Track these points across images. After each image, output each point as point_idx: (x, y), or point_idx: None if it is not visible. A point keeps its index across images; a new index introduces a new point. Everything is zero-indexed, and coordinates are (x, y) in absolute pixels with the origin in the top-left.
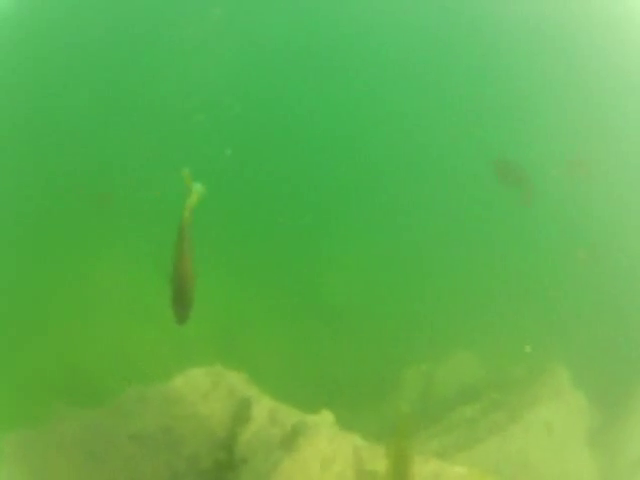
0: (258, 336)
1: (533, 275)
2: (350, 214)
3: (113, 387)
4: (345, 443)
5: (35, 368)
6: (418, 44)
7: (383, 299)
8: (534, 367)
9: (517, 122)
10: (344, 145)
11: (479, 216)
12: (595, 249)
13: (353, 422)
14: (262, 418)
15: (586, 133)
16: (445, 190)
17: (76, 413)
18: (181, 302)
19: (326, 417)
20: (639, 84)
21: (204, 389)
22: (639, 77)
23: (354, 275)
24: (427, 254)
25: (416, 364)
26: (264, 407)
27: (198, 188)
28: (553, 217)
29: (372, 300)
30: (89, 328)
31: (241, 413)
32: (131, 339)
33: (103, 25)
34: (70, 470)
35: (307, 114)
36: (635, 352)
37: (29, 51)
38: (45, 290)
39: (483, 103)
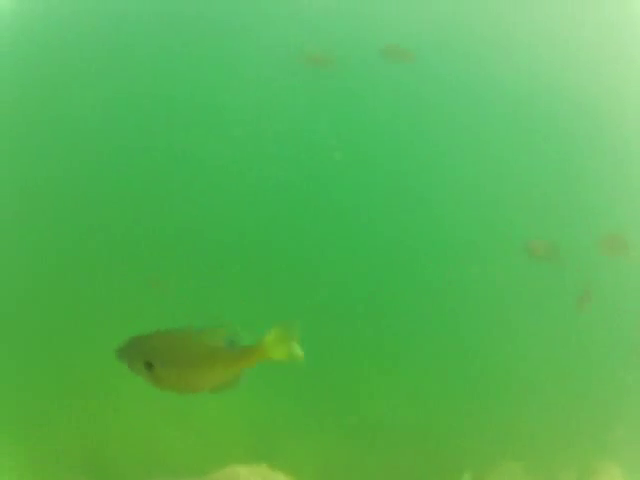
0: (302, 441)
1: (576, 374)
2: (389, 325)
3: (139, 477)
4: None
5: (55, 443)
6: (446, 126)
7: (427, 411)
8: (584, 470)
9: (546, 201)
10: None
11: (519, 319)
12: None
13: None
14: None
15: (616, 205)
16: (484, 293)
17: None
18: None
19: None
20: None
21: None
22: None
23: (397, 386)
24: (470, 366)
25: (463, 476)
26: None
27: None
28: (598, 309)
29: (416, 412)
30: (118, 408)
31: None
32: (164, 426)
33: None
34: None
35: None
36: None
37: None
38: (76, 366)
39: (510, 185)
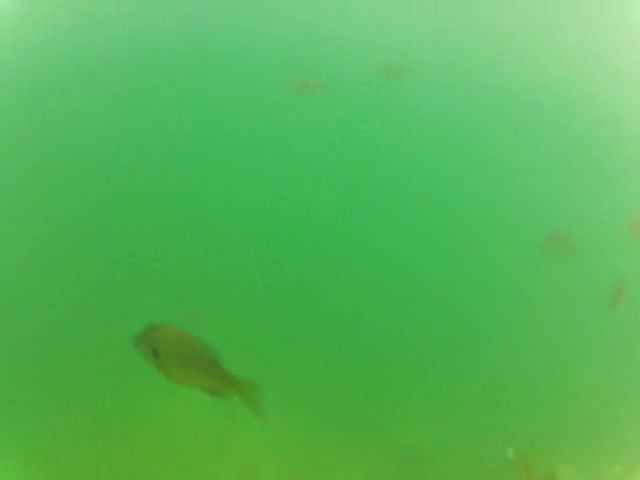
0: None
1: (616, 368)
2: (421, 356)
3: None
4: None
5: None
6: (466, 121)
7: (467, 436)
8: (632, 464)
9: (568, 193)
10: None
11: (554, 322)
12: None
13: None
14: None
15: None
16: (511, 300)
17: None
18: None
19: None
20: None
21: None
22: None
23: (429, 415)
24: (507, 382)
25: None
26: None
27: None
28: (630, 308)
29: (454, 438)
30: (151, 429)
31: None
32: (202, 453)
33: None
34: None
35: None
36: None
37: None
38: (112, 406)
39: (520, 194)
